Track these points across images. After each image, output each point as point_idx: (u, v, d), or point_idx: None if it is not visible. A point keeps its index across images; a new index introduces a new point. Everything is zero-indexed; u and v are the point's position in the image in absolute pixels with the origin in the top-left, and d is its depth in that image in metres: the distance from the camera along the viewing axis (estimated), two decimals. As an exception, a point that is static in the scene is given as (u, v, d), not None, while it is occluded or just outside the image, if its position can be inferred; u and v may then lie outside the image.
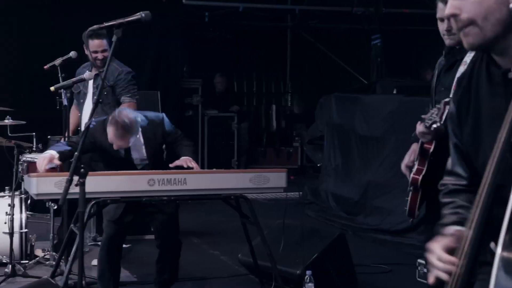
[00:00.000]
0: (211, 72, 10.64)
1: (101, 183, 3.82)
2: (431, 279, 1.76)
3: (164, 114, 4.63)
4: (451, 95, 3.12)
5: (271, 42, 11.79)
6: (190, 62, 10.31)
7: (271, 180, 4.10)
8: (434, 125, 2.98)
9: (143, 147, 4.37)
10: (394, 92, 8.48)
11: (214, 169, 4.22)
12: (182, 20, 9.17)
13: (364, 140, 7.92)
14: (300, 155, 11.39)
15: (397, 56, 10.92)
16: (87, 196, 3.79)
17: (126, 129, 4.09)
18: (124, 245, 6.05)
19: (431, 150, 3.16)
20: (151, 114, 4.58)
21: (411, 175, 3.20)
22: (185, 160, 4.16)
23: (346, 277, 4.85)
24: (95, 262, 5.56)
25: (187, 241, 6.60)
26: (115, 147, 4.17)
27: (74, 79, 4.62)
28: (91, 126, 4.30)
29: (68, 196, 3.13)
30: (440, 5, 3.17)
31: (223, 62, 10.98)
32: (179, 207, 4.56)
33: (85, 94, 5.60)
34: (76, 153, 3.04)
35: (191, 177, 3.98)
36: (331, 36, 11.80)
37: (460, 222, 1.85)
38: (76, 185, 2.88)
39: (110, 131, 4.13)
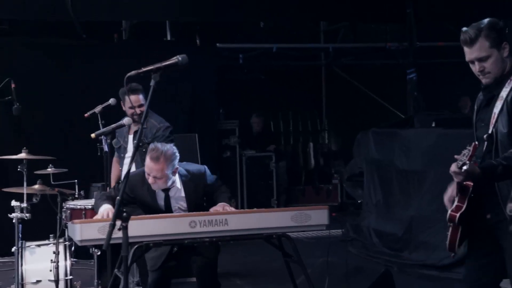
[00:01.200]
0: (248, 113, 10.72)
1: (143, 227, 3.83)
2: None
3: (206, 167, 4.67)
4: (490, 131, 3.11)
5: (305, 80, 11.85)
6: (226, 104, 10.39)
7: (312, 218, 4.07)
8: (465, 167, 2.98)
9: (184, 199, 4.42)
10: (433, 125, 8.41)
11: (255, 209, 4.21)
12: (216, 62, 9.28)
13: (404, 174, 7.84)
14: (339, 192, 11.32)
15: (433, 89, 10.86)
16: (131, 240, 3.83)
17: (161, 152, 4.21)
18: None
19: (471, 187, 3.13)
20: (193, 167, 4.64)
21: (449, 211, 3.16)
22: (222, 206, 4.20)
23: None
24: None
25: (229, 283, 6.58)
26: (150, 180, 4.21)
27: (113, 125, 4.69)
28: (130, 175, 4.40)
29: (112, 241, 3.17)
30: (465, 49, 3.20)
31: (259, 102, 11.06)
32: (220, 251, 4.57)
33: (126, 149, 5.69)
34: (118, 197, 3.07)
35: (232, 218, 3.98)
36: (365, 72, 11.81)
37: None
38: (119, 229, 2.90)
39: (147, 157, 4.24)
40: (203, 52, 9.04)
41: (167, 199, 4.41)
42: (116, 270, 4.01)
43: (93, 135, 4.50)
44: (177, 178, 4.40)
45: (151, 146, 4.38)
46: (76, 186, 5.81)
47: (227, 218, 3.96)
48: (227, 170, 9.93)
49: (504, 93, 3.12)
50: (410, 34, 10.32)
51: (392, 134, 8.31)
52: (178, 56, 3.14)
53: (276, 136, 11.70)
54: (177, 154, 4.35)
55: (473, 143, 3.09)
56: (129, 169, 3.17)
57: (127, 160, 5.69)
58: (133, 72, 3.14)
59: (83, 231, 3.68)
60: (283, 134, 11.99)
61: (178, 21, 9.06)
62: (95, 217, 4.16)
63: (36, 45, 8.19)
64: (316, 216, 4.07)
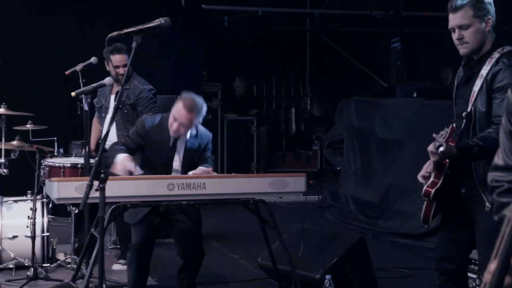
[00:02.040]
0: (231, 76, 10.68)
1: (120, 187, 3.84)
2: None
3: (211, 135, 4.66)
4: (468, 109, 3.13)
5: (290, 45, 11.80)
6: (210, 66, 10.35)
7: (290, 185, 4.10)
8: (441, 148, 3.01)
9: (182, 151, 4.38)
10: (414, 95, 8.45)
11: (234, 174, 4.24)
12: (201, 24, 9.21)
13: (384, 143, 7.89)
14: (319, 159, 11.37)
15: (417, 59, 10.87)
16: (108, 200, 3.84)
17: (197, 103, 4.24)
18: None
19: (448, 164, 3.17)
20: (204, 129, 4.61)
21: (425, 187, 3.21)
22: (201, 170, 4.20)
23: (366, 281, 4.83)
24: (115, 266, 5.61)
25: (207, 245, 6.58)
26: (175, 127, 4.20)
27: (94, 84, 4.65)
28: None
29: (89, 201, 3.18)
30: (450, 15, 3.20)
31: (242, 66, 11.00)
32: (200, 213, 4.56)
33: (107, 109, 5.65)
34: (96, 159, 3.06)
35: (210, 182, 4.00)
36: (351, 40, 11.78)
37: None
38: (96, 190, 2.90)
39: (181, 102, 4.27)
40: (188, 13, 8.96)
41: (174, 146, 4.38)
42: (92, 229, 4.03)
43: (73, 94, 4.46)
44: (188, 132, 4.39)
45: (185, 93, 4.36)
46: (56, 144, 5.78)
47: (205, 182, 3.98)
48: (208, 132, 9.94)
49: (484, 71, 3.12)
50: (396, 2, 10.30)
51: (373, 103, 8.35)
52: (161, 18, 3.12)
53: (259, 101, 11.68)
54: (205, 108, 4.38)
55: (451, 125, 3.14)
56: (108, 130, 3.16)
57: (107, 120, 5.66)
58: (114, 33, 3.11)
59: (61, 190, 3.68)
60: (265, 98, 11.98)
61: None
62: (112, 167, 4.10)
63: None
64: (294, 183, 4.11)
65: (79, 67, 5.45)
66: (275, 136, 11.44)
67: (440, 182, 3.16)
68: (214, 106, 9.97)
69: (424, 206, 3.26)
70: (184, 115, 4.21)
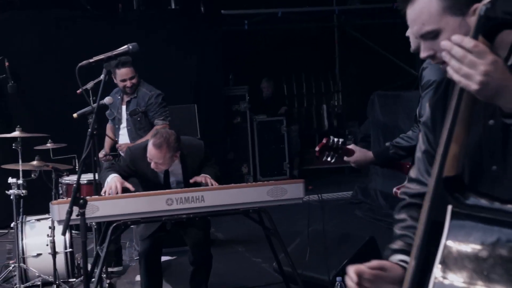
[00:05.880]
0: (259, 78, 10.73)
1: (120, 205, 3.95)
2: None
3: (202, 142, 4.75)
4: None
5: (317, 42, 11.77)
6: (236, 70, 10.42)
7: (288, 192, 4.14)
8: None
9: (181, 171, 4.51)
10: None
11: (232, 184, 4.29)
12: (221, 29, 9.29)
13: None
14: (354, 153, 11.31)
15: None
16: (108, 219, 3.97)
17: (164, 139, 4.24)
18: (169, 257, 6.28)
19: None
20: (194, 141, 4.72)
21: (394, 188, 3.22)
22: (204, 177, 4.27)
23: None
24: (139, 277, 5.74)
25: (232, 250, 6.73)
26: (152, 165, 4.30)
27: (94, 105, 4.77)
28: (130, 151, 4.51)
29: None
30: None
31: (269, 67, 11.02)
32: (210, 221, 4.68)
33: (120, 120, 5.79)
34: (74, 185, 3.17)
35: (208, 194, 4.07)
36: (378, 31, 11.66)
37: (406, 251, 1.83)
38: (77, 215, 3.00)
39: (150, 142, 4.30)
40: (208, 20, 9.06)
41: (167, 174, 4.51)
42: (98, 247, 4.15)
43: (75, 115, 4.60)
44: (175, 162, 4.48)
45: (154, 131, 4.45)
46: (76, 161, 5.95)
47: (203, 195, 4.06)
48: (237, 136, 10.03)
49: None
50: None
51: (396, 97, 8.30)
52: (129, 44, 3.20)
53: (290, 99, 11.70)
54: (179, 139, 4.41)
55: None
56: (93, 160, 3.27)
57: (122, 131, 5.80)
58: (84, 62, 3.22)
59: (61, 212, 3.81)
60: (296, 97, 11.98)
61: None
62: (104, 188, 4.25)
63: (38, 18, 8.28)
64: (292, 190, 4.15)
65: (90, 85, 5.56)
66: (308, 134, 11.44)
67: None
68: (242, 109, 10.05)
69: None
70: (155, 155, 4.29)
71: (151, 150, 4.27)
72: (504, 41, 1.61)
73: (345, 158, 3.62)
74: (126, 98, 5.74)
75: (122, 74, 5.57)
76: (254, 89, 10.50)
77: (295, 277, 4.44)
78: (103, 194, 4.11)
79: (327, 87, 12.17)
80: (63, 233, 3.13)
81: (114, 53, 3.15)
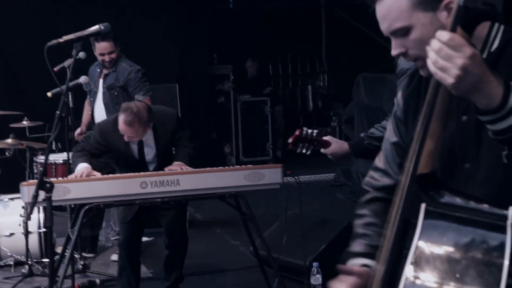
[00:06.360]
0: (243, 58, 10.59)
1: (93, 188, 3.85)
2: None
3: (175, 111, 4.63)
4: None
5: (303, 22, 11.63)
6: (220, 49, 10.27)
7: (266, 176, 4.06)
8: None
9: (154, 143, 4.38)
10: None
11: (208, 168, 4.19)
12: (207, 7, 9.14)
13: (393, 120, 7.76)
14: (338, 135, 11.25)
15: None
16: (80, 202, 3.88)
17: (135, 116, 4.10)
18: (147, 238, 6.20)
19: None
20: (165, 108, 4.61)
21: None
22: (178, 166, 4.17)
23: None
24: (114, 256, 5.66)
25: (210, 232, 6.66)
26: (126, 138, 4.18)
27: (70, 84, 4.63)
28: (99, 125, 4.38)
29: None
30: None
31: (254, 46, 10.88)
32: (186, 204, 4.60)
33: (96, 93, 5.66)
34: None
35: (184, 178, 3.98)
36: (366, 13, 11.53)
37: (368, 254, 1.77)
38: (44, 200, 2.91)
39: (121, 118, 4.15)
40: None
41: (141, 145, 4.36)
42: (69, 230, 4.06)
43: (49, 94, 4.47)
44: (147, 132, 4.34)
45: (123, 105, 4.28)
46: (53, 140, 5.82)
47: (179, 179, 3.96)
48: (221, 116, 9.91)
49: None
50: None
51: (381, 80, 8.19)
52: (100, 24, 3.07)
53: (275, 80, 11.58)
54: (151, 111, 4.27)
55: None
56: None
57: (97, 105, 5.68)
58: (53, 42, 3.09)
59: (30, 193, 3.69)
60: (281, 77, 11.86)
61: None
62: (70, 176, 4.15)
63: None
64: (270, 175, 4.06)
65: (67, 63, 5.43)
66: (293, 115, 11.34)
67: None
68: (226, 88, 9.91)
69: None
70: (127, 131, 4.16)
71: (122, 127, 4.15)
72: (478, 34, 1.53)
73: (322, 150, 3.58)
74: (104, 71, 5.61)
75: (101, 48, 5.44)
76: (239, 68, 10.36)
77: (271, 262, 4.37)
78: None
79: (313, 68, 12.05)
80: (28, 218, 3.03)
81: (85, 33, 3.04)
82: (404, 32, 1.65)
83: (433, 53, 1.42)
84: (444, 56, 1.40)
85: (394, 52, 1.70)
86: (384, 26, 1.69)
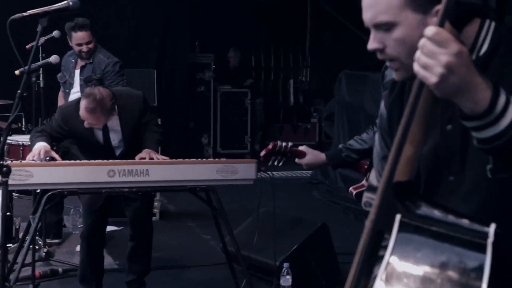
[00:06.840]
0: (226, 47, 10.42)
1: (58, 173, 3.67)
2: None
3: (142, 93, 4.41)
4: None
5: (289, 14, 11.48)
6: (203, 37, 10.08)
7: (239, 171, 3.90)
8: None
9: (119, 127, 4.18)
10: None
11: (180, 159, 4.03)
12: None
13: (373, 119, 7.63)
14: (318, 132, 11.16)
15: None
16: (43, 187, 3.71)
17: (98, 103, 3.90)
18: (115, 227, 6.03)
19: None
20: (131, 90, 4.43)
21: (350, 188, 3.13)
22: (148, 153, 4.00)
23: (328, 268, 4.67)
24: (79, 247, 5.49)
25: (182, 224, 6.50)
26: (86, 124, 3.99)
27: (40, 62, 4.48)
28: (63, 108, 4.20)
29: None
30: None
31: (238, 36, 10.72)
32: (155, 196, 4.44)
33: (72, 85, 5.49)
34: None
35: (154, 168, 3.81)
36: (353, 9, 11.41)
37: None
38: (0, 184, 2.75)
39: (82, 104, 3.94)
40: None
41: (106, 130, 4.17)
42: (31, 216, 3.89)
43: (17, 72, 4.29)
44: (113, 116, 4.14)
45: (87, 91, 4.07)
46: (23, 119, 5.65)
47: (149, 169, 3.79)
48: (200, 105, 9.75)
49: None
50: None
51: (363, 77, 8.09)
52: (69, 0, 2.91)
53: (257, 71, 11.42)
54: (114, 98, 4.08)
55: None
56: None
57: (73, 96, 5.50)
58: (16, 16, 2.91)
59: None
60: (263, 69, 11.71)
61: None
62: (28, 155, 3.99)
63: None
64: (243, 170, 3.91)
65: (40, 41, 5.25)
66: (273, 108, 11.21)
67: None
68: (206, 77, 9.75)
69: None
70: (88, 118, 3.97)
71: (83, 113, 3.94)
72: (466, 35, 1.40)
73: (296, 160, 3.49)
74: (80, 63, 5.43)
75: (78, 38, 5.26)
76: (221, 58, 10.19)
77: (239, 259, 4.24)
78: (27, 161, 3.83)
79: (296, 61, 11.92)
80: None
81: (52, 8, 2.87)
82: (387, 27, 1.54)
83: (418, 50, 1.30)
84: (427, 52, 1.26)
85: (370, 45, 1.59)
86: (368, 16, 1.57)
